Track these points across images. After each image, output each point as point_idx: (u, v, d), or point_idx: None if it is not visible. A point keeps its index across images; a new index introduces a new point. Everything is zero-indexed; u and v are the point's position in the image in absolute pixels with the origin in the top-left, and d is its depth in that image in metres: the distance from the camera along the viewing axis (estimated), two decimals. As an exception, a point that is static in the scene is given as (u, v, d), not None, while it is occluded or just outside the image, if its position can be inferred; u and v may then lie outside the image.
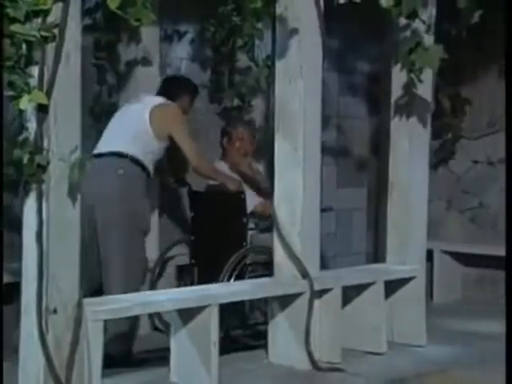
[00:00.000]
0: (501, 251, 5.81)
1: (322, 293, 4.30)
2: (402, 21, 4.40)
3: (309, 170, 4.30)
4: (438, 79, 5.65)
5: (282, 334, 4.27)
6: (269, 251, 4.40)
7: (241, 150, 5.31)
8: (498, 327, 5.27)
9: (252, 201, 4.97)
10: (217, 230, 4.81)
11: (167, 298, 3.87)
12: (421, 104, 4.71)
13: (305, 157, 4.28)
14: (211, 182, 5.06)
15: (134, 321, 4.39)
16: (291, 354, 4.23)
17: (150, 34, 5.06)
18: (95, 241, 4.36)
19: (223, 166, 5.23)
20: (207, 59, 5.48)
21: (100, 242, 4.36)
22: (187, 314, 3.86)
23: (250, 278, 4.67)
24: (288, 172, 4.30)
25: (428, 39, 4.45)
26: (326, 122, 5.46)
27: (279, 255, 4.32)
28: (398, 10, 4.17)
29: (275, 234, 4.33)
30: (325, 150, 5.10)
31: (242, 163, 5.29)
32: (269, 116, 4.97)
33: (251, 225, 4.90)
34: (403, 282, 4.74)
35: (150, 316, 4.86)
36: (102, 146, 4.48)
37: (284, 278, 4.31)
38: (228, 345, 4.41)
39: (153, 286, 4.85)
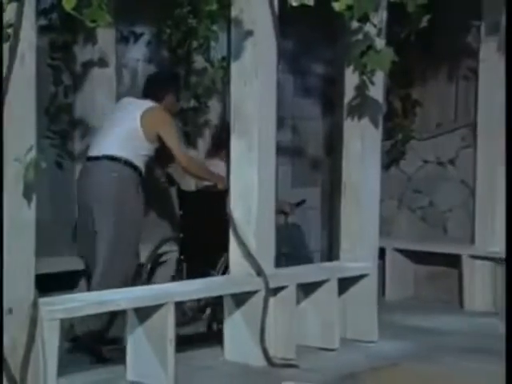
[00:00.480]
0: (450, 249, 5.91)
1: (277, 290, 4.31)
2: (354, 24, 4.43)
3: (264, 169, 4.31)
4: (389, 81, 5.70)
5: (237, 331, 4.26)
6: None
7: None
8: (448, 322, 5.37)
9: None
10: (205, 227, 4.87)
11: (124, 296, 3.84)
12: (372, 105, 4.74)
13: (260, 157, 4.28)
14: (206, 183, 5.08)
15: (111, 317, 4.39)
16: (247, 350, 4.23)
17: (106, 35, 5.00)
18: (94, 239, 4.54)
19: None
20: (163, 60, 5.44)
21: (95, 239, 4.52)
22: (144, 313, 3.83)
23: None
24: (243, 171, 4.31)
25: (379, 42, 4.48)
26: (280, 122, 5.47)
27: (235, 254, 4.32)
28: (350, 14, 4.19)
29: (231, 233, 4.33)
30: (280, 150, 5.10)
31: None
32: (225, 116, 4.94)
33: None
34: (356, 279, 4.77)
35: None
36: (97, 150, 4.60)
37: (239, 276, 4.31)
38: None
39: (144, 282, 4.88)
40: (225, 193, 4.67)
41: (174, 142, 4.66)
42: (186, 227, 4.99)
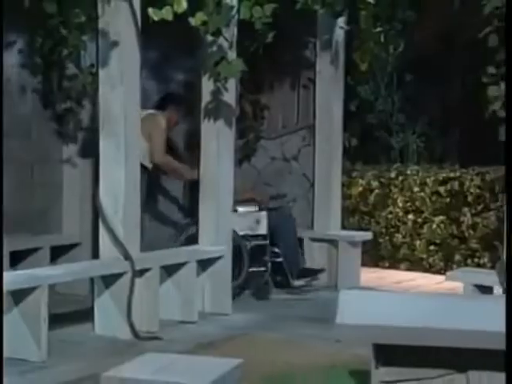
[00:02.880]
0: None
1: (143, 272, 4.31)
2: (209, 38, 4.48)
3: (130, 166, 4.30)
4: (242, 88, 5.79)
5: (106, 308, 4.23)
6: None
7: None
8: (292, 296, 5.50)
9: None
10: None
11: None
12: (226, 109, 4.82)
13: (126, 155, 4.26)
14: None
15: None
16: (115, 326, 4.20)
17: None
18: None
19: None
20: (37, 66, 5.24)
21: None
22: (19, 295, 3.72)
23: None
24: (111, 168, 4.28)
25: (231, 54, 4.56)
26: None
27: (104, 240, 4.28)
28: (205, 29, 4.25)
29: (100, 222, 4.29)
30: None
31: None
32: (95, 118, 4.87)
33: None
34: (213, 260, 4.84)
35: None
36: None
37: (109, 259, 4.27)
38: None
39: None
40: (194, 182, 5.11)
41: (156, 143, 5.13)
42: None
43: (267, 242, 5.34)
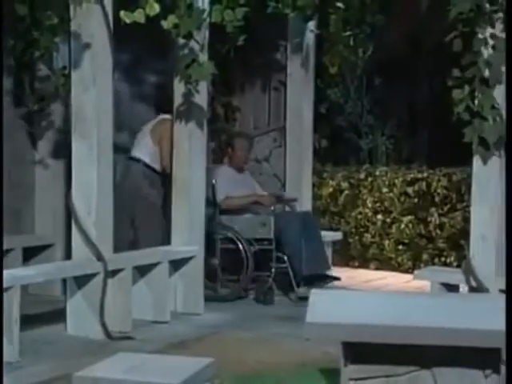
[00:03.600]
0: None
1: (115, 272, 4.29)
2: (181, 40, 4.48)
3: (102, 167, 4.28)
4: (213, 90, 5.79)
5: (79, 309, 4.21)
6: (231, 228, 5.25)
7: (242, 158, 5.66)
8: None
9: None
10: None
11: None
12: (198, 111, 4.82)
13: (99, 156, 4.24)
14: None
15: None
16: (88, 326, 4.18)
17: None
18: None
19: (229, 170, 5.55)
20: (9, 67, 5.20)
21: None
22: (-9, 296, 3.69)
23: (222, 249, 5.25)
24: (84, 169, 4.26)
25: (202, 57, 4.56)
26: (119, 125, 5.43)
27: (77, 241, 4.25)
28: (177, 32, 4.24)
29: (73, 223, 4.26)
30: (119, 149, 5.05)
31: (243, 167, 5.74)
32: (67, 119, 4.84)
33: None
34: (185, 260, 4.83)
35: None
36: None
37: (81, 260, 4.25)
38: None
39: None
40: None
41: (165, 147, 5.21)
42: None
43: (272, 246, 5.22)
